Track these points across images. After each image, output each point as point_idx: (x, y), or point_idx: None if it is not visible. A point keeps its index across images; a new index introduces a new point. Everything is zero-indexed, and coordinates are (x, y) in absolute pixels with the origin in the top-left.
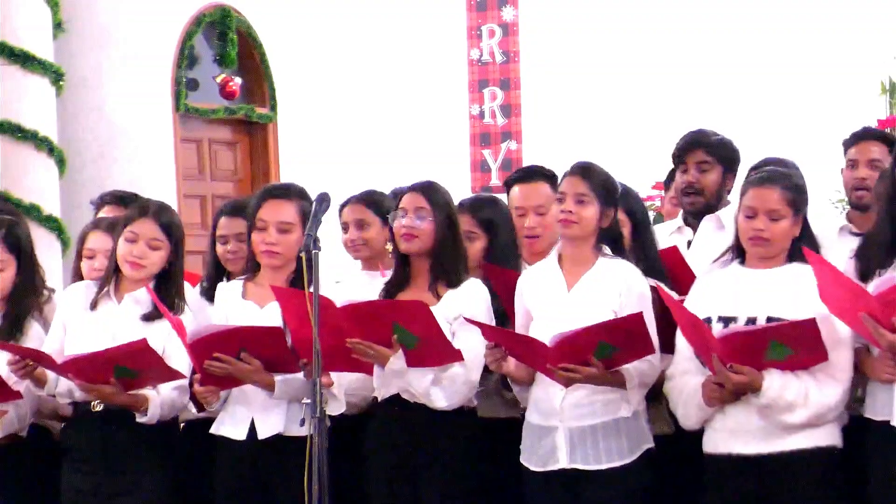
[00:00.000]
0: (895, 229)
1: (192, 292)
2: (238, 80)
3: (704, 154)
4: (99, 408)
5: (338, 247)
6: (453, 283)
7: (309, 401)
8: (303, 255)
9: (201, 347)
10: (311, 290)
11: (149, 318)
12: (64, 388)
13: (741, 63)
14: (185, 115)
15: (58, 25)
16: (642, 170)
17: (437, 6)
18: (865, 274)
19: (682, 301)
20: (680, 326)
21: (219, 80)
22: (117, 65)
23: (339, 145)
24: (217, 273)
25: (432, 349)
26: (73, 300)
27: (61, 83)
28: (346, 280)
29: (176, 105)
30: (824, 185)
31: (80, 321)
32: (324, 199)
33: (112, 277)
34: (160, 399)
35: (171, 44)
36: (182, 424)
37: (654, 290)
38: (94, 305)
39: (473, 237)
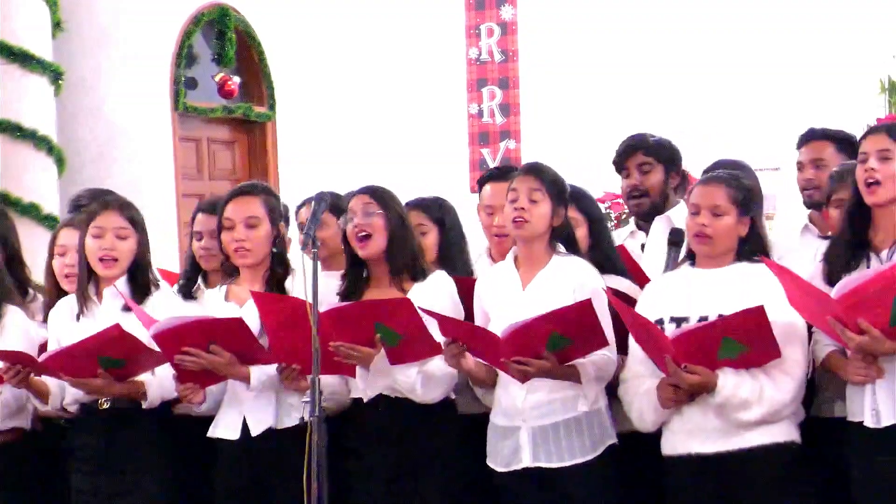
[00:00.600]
0: (854, 233)
1: (169, 291)
2: (236, 79)
3: (644, 156)
4: (106, 405)
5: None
6: (417, 276)
7: (308, 399)
8: (275, 251)
9: (168, 341)
10: (306, 289)
11: (129, 308)
12: (71, 399)
13: (739, 62)
14: (184, 115)
15: (57, 25)
16: None
17: (436, 5)
18: (832, 277)
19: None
20: (630, 329)
21: (217, 79)
22: (116, 64)
23: (338, 144)
24: (194, 270)
25: (414, 344)
26: (60, 315)
27: (60, 82)
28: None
29: (175, 104)
30: None
31: (70, 333)
32: (322, 199)
33: (87, 282)
34: (157, 380)
35: (170, 43)
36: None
37: (607, 291)
38: (79, 316)
39: (425, 231)
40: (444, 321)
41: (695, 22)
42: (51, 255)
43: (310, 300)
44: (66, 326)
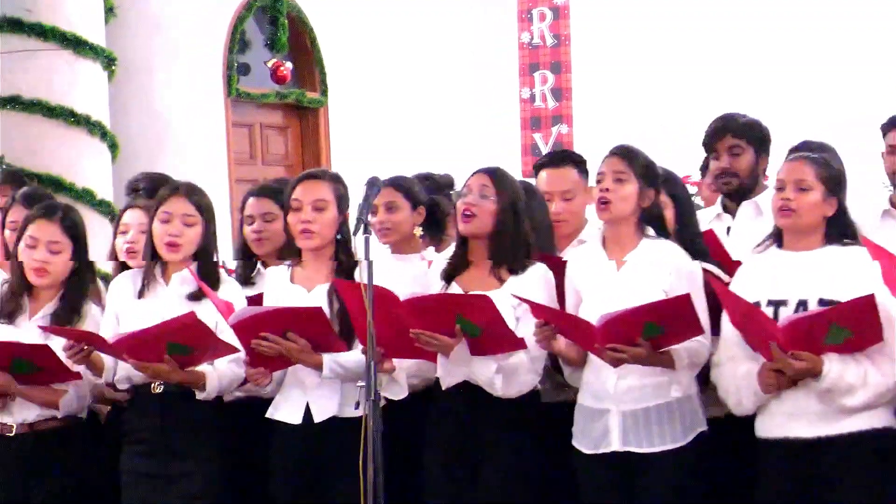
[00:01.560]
0: None
1: (234, 285)
2: (289, 65)
3: (733, 138)
4: (159, 389)
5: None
6: (516, 269)
7: (364, 383)
8: (339, 237)
9: (246, 329)
10: (365, 273)
11: (195, 297)
12: (122, 375)
13: (794, 50)
14: (237, 100)
15: (109, 10)
16: (693, 153)
17: None
18: None
19: (728, 284)
20: (729, 314)
21: (270, 64)
22: (169, 50)
23: (390, 129)
24: (247, 256)
25: (495, 339)
26: (122, 290)
27: (113, 68)
28: (378, 264)
29: (227, 90)
30: (870, 177)
31: (131, 310)
32: (374, 183)
33: (154, 263)
34: (217, 373)
35: (223, 29)
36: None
37: (703, 272)
38: (141, 294)
39: None
40: (536, 307)
41: (748, 8)
42: (115, 235)
43: (370, 285)
44: (128, 302)
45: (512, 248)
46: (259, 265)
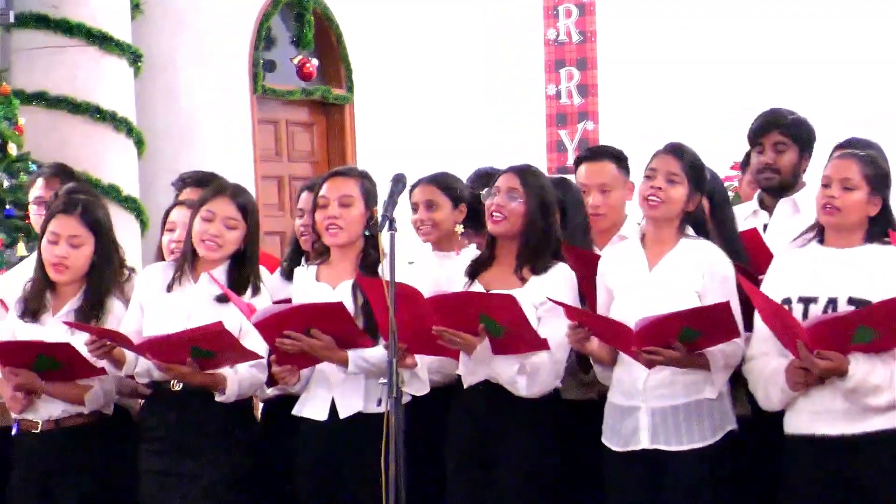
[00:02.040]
0: None
1: (271, 277)
2: (315, 62)
3: (780, 135)
4: (178, 387)
5: (408, 227)
6: (539, 268)
7: (386, 380)
8: (367, 234)
9: (270, 328)
10: (388, 270)
11: (223, 299)
12: (143, 368)
13: (824, 47)
14: (263, 97)
15: (135, 7)
16: (719, 150)
17: None
18: None
19: (761, 281)
20: (760, 313)
21: (296, 61)
22: (195, 46)
23: (415, 125)
24: (296, 252)
25: (518, 338)
26: (150, 281)
27: (139, 64)
28: (419, 261)
29: (253, 86)
30: None
31: (157, 302)
32: (399, 180)
33: (188, 259)
34: (238, 377)
35: (249, 25)
36: (262, 405)
37: (735, 270)
38: (170, 287)
39: None
40: (570, 309)
41: (777, 4)
42: (162, 232)
43: (392, 281)
44: (155, 294)
45: (539, 248)
46: (303, 261)
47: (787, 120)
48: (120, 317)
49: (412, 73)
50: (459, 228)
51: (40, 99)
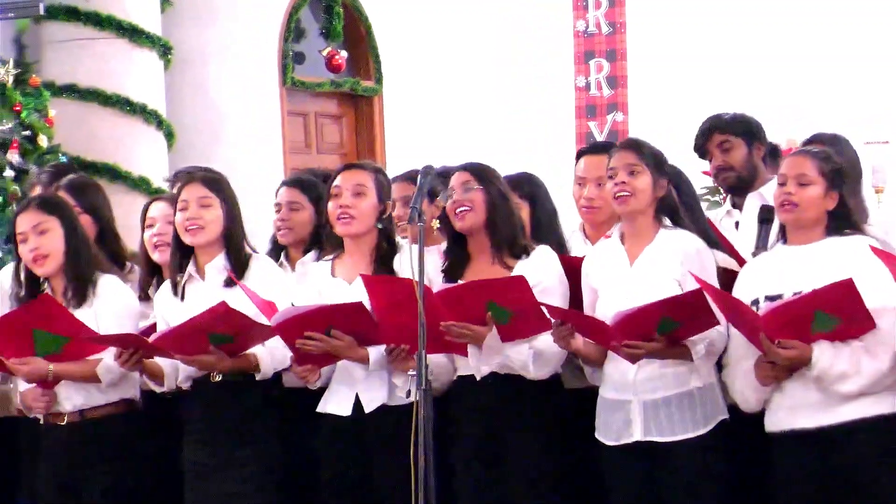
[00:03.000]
0: None
1: (264, 257)
2: (344, 54)
3: (720, 135)
4: (218, 378)
5: None
6: (519, 253)
7: (415, 372)
8: (380, 227)
9: (289, 330)
10: (405, 263)
11: (230, 283)
12: (184, 376)
13: (849, 37)
14: (292, 89)
15: (165, 0)
16: None
17: None
18: None
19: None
20: (722, 312)
21: (325, 53)
22: (224, 39)
23: (444, 117)
24: (274, 247)
25: (525, 322)
26: (164, 297)
27: (169, 57)
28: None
29: (283, 79)
30: None
31: (175, 312)
32: (427, 172)
33: (183, 259)
34: (268, 351)
35: (278, 17)
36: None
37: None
38: (182, 295)
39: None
40: (552, 309)
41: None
42: (143, 229)
43: (416, 274)
44: (171, 306)
45: (511, 232)
46: (283, 258)
47: (724, 120)
48: (116, 297)
49: (441, 64)
50: (436, 224)
51: (70, 91)
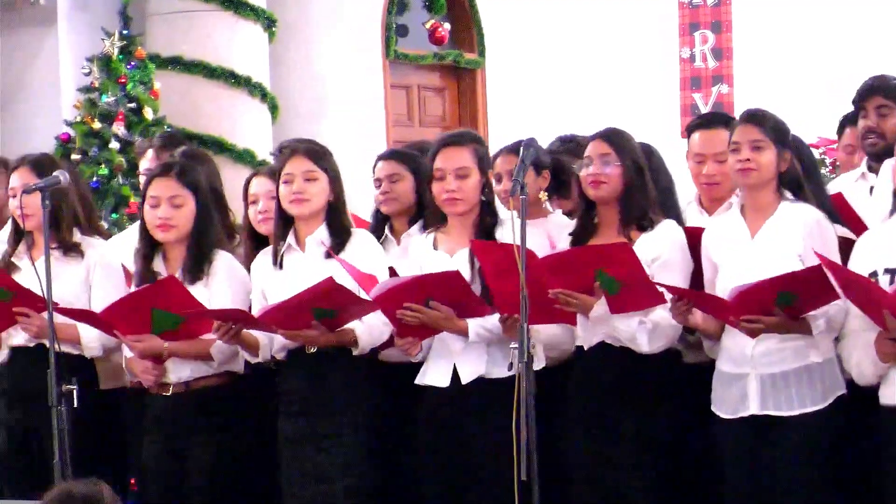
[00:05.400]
0: None
1: (365, 233)
2: (447, 26)
3: (882, 98)
4: (312, 350)
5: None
6: (645, 226)
7: (516, 345)
8: (483, 199)
9: (388, 302)
10: (504, 237)
11: (331, 255)
12: (279, 347)
13: None
14: (395, 62)
15: None
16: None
17: None
18: None
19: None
20: (841, 288)
21: (428, 25)
22: (328, 11)
23: (547, 90)
24: (377, 219)
25: (635, 293)
26: (262, 265)
27: (273, 30)
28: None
29: (386, 51)
30: None
31: (274, 281)
32: (530, 145)
33: (287, 229)
34: (367, 326)
35: None
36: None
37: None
38: (281, 264)
39: None
40: (669, 289)
41: None
42: (245, 205)
43: (523, 247)
44: (269, 276)
45: (641, 206)
46: (387, 230)
47: (891, 84)
48: (231, 276)
49: (544, 36)
50: (543, 196)
51: (175, 63)
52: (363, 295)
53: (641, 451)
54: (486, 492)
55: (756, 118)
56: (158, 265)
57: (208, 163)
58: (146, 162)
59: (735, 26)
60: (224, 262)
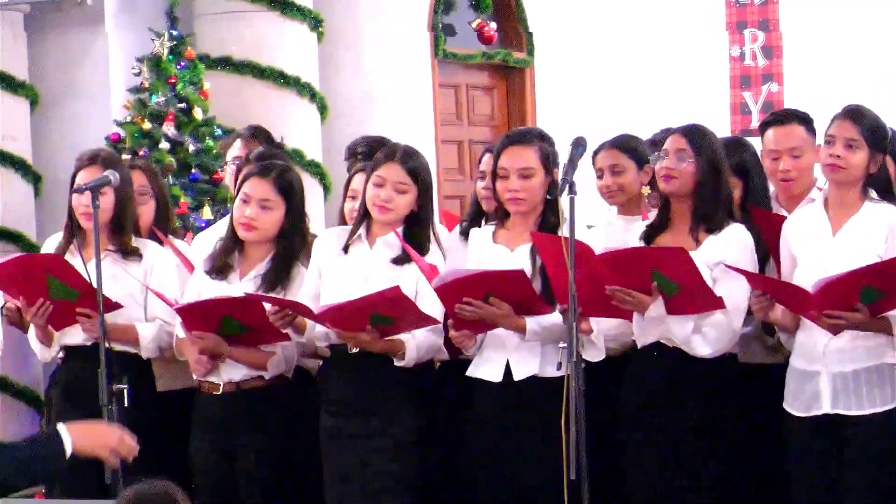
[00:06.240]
0: None
1: (450, 235)
2: (494, 25)
3: None
4: (355, 350)
5: (590, 192)
6: (713, 228)
7: (565, 344)
8: (548, 197)
9: (449, 293)
10: (567, 235)
11: (399, 261)
12: (321, 332)
13: None
14: (443, 61)
15: None
16: None
17: None
18: None
19: None
20: None
21: (475, 25)
22: (376, 11)
23: (596, 89)
24: (477, 213)
25: (692, 296)
26: (327, 245)
27: (321, 29)
28: (600, 224)
29: (434, 51)
30: None
31: (334, 266)
32: (580, 143)
33: (363, 222)
34: (416, 342)
35: None
36: (438, 364)
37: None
38: (346, 250)
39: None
40: (751, 276)
41: None
42: (345, 199)
43: (572, 244)
44: (332, 258)
45: (713, 206)
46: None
47: None
48: (300, 283)
49: (593, 35)
50: (646, 190)
51: (225, 64)
52: (424, 301)
53: (693, 452)
54: (536, 490)
55: (854, 115)
56: (234, 259)
57: (294, 169)
58: (234, 150)
59: (784, 25)
60: (300, 275)
